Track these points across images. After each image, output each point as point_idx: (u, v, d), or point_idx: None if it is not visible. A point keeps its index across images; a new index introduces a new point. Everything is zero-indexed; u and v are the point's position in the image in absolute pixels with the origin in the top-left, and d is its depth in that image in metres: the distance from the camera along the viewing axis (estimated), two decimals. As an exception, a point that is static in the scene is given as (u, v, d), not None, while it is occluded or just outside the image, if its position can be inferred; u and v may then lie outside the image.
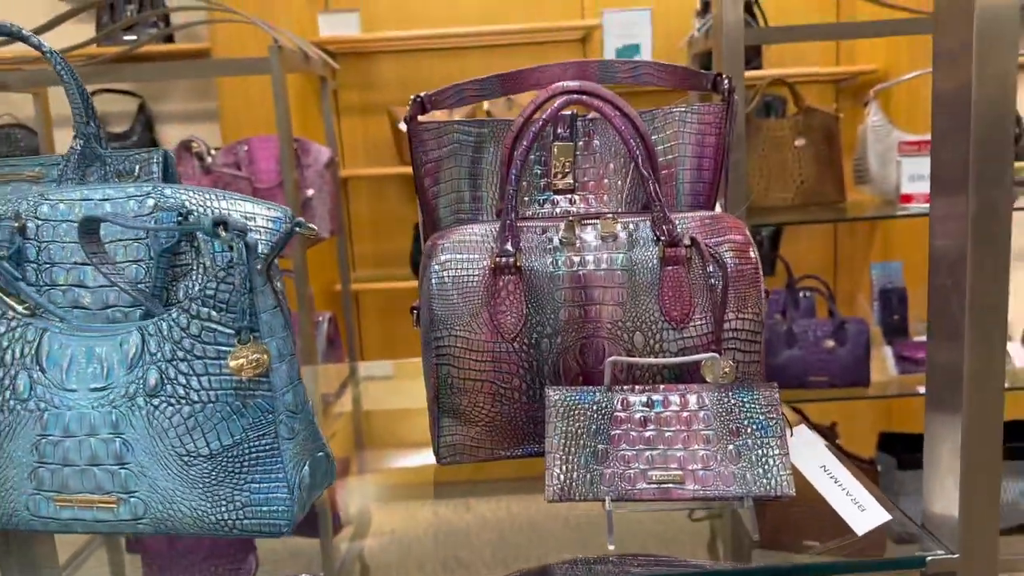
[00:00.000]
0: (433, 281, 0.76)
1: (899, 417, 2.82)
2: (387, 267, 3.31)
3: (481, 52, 3.27)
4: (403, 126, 1.01)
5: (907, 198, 2.12)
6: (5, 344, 0.70)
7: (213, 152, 2.41)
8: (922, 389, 2.34)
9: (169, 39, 3.21)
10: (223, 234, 0.67)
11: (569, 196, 0.91)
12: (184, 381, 0.67)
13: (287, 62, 2.12)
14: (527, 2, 3.26)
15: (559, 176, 0.91)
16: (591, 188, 0.91)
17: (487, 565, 0.71)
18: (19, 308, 0.71)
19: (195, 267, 0.80)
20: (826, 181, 2.26)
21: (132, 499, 0.68)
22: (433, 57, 3.31)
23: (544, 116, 0.78)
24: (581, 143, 0.92)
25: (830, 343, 2.15)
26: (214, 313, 0.67)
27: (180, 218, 0.78)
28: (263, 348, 0.66)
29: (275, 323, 0.69)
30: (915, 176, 2.12)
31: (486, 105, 2.98)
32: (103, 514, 0.68)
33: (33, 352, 0.70)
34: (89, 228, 0.75)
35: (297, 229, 0.83)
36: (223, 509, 0.67)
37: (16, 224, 0.77)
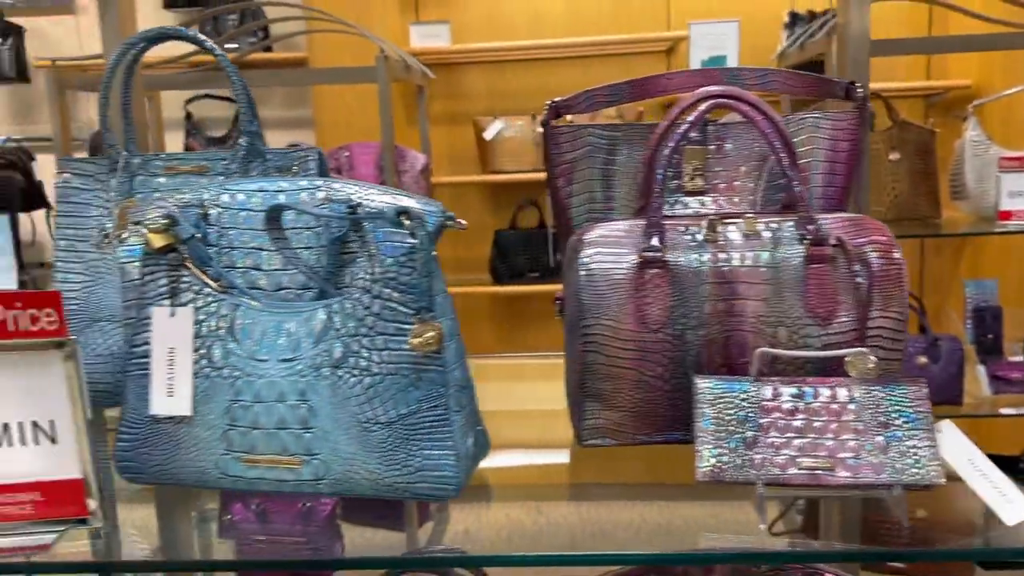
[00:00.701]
0: (582, 273, 0.81)
1: (989, 438, 2.76)
2: (466, 272, 3.38)
3: (567, 64, 3.33)
4: (539, 129, 1.06)
5: (1006, 215, 2.10)
6: (202, 317, 0.77)
7: (314, 157, 2.50)
8: (1013, 410, 2.28)
9: (268, 49, 3.35)
10: (407, 222, 0.73)
11: (699, 198, 0.95)
12: (366, 355, 0.73)
13: (391, 71, 2.21)
14: (613, 14, 3.31)
15: (689, 179, 0.95)
16: (721, 190, 0.95)
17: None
18: (213, 285, 0.78)
19: (361, 254, 0.86)
20: (920, 195, 2.25)
21: (315, 461, 0.74)
22: (519, 68, 3.38)
23: (690, 119, 0.82)
24: (713, 147, 0.96)
25: (923, 359, 2.13)
26: (395, 294, 0.73)
27: (349, 209, 0.85)
28: (438, 327, 0.72)
29: (446, 304, 0.75)
30: (1015, 192, 2.10)
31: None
32: (287, 474, 0.75)
33: (227, 325, 0.77)
34: (275, 215, 0.82)
35: (448, 223, 0.89)
36: (397, 473, 0.73)
37: (201, 211, 0.84)
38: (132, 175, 1.05)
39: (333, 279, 0.84)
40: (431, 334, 0.72)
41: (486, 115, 3.18)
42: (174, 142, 3.32)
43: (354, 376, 0.73)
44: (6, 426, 0.69)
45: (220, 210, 0.86)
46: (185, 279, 0.78)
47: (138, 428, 0.78)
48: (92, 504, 0.71)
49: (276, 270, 0.85)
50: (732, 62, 3.07)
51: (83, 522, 0.71)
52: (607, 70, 3.26)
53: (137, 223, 0.83)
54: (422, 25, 3.18)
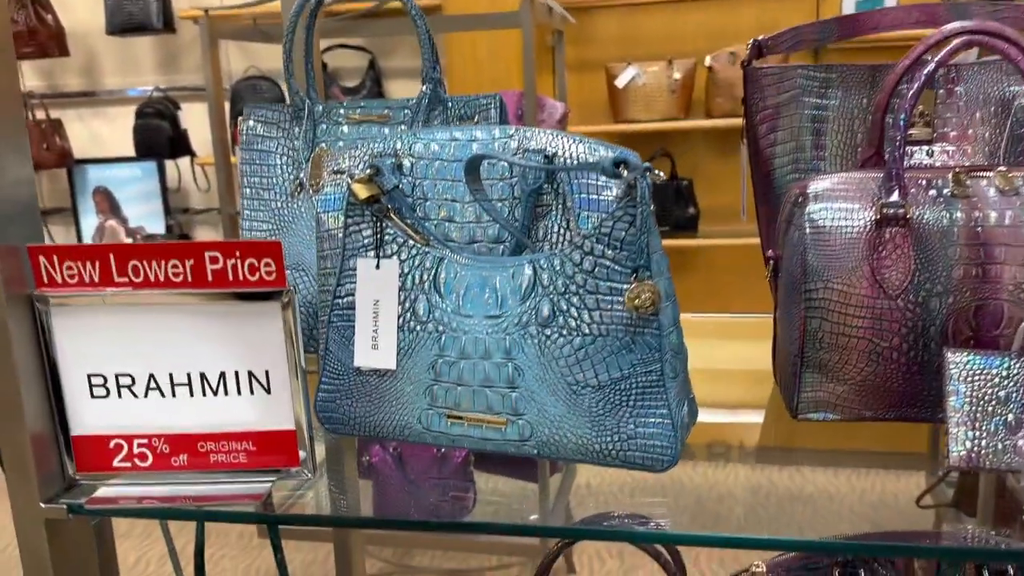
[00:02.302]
0: (808, 230, 0.74)
1: None
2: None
3: (701, 7, 3.17)
4: (716, 65, 0.99)
5: None
6: (406, 270, 0.76)
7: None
8: None
9: (402, -4, 3.32)
10: (625, 173, 0.68)
11: (927, 147, 0.87)
12: (576, 314, 0.70)
13: (535, 15, 2.15)
14: (758, -46, 3.11)
15: (917, 126, 0.86)
16: (952, 139, 0.86)
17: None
18: (416, 237, 0.76)
19: (555, 208, 0.83)
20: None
21: (520, 421, 0.72)
22: (651, 13, 3.24)
23: (937, 58, 0.74)
24: (942, 91, 0.87)
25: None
26: (608, 251, 0.69)
27: (545, 159, 0.81)
28: (655, 287, 0.68)
29: (662, 263, 0.71)
30: None
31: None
32: (491, 433, 0.73)
33: (431, 279, 0.75)
34: (475, 166, 0.79)
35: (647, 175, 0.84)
36: (608, 439, 0.70)
37: (395, 160, 0.82)
38: (315, 123, 1.05)
39: (527, 234, 0.81)
40: (648, 295, 0.68)
41: (618, 62, 3.08)
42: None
43: (563, 336, 0.70)
44: (223, 375, 0.69)
45: (413, 160, 0.84)
46: (389, 231, 0.76)
47: (340, 379, 0.78)
48: (303, 454, 0.71)
49: (469, 223, 0.83)
50: (891, 2, 2.85)
51: (293, 472, 0.71)
52: (745, 14, 3.09)
53: (338, 172, 0.82)
54: (555, -31, 3.08)
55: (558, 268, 0.71)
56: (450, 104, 1.02)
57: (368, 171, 0.77)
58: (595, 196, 0.80)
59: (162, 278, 0.67)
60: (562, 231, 0.81)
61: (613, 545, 2.22)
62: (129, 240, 3.78)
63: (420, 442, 0.76)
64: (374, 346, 0.76)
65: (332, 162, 0.89)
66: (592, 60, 3.26)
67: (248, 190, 1.06)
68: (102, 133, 3.96)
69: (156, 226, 3.84)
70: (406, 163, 0.82)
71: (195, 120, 3.71)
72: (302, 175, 0.93)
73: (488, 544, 2.21)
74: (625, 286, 0.68)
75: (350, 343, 0.77)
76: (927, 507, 0.74)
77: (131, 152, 3.69)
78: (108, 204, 3.79)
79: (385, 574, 2.21)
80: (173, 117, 3.69)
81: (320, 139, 1.04)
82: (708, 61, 2.95)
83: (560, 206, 0.82)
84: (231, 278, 0.67)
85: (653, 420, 0.69)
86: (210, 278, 0.67)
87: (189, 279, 0.67)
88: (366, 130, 1.04)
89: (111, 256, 0.66)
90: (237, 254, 0.66)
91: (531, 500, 0.84)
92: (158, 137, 3.68)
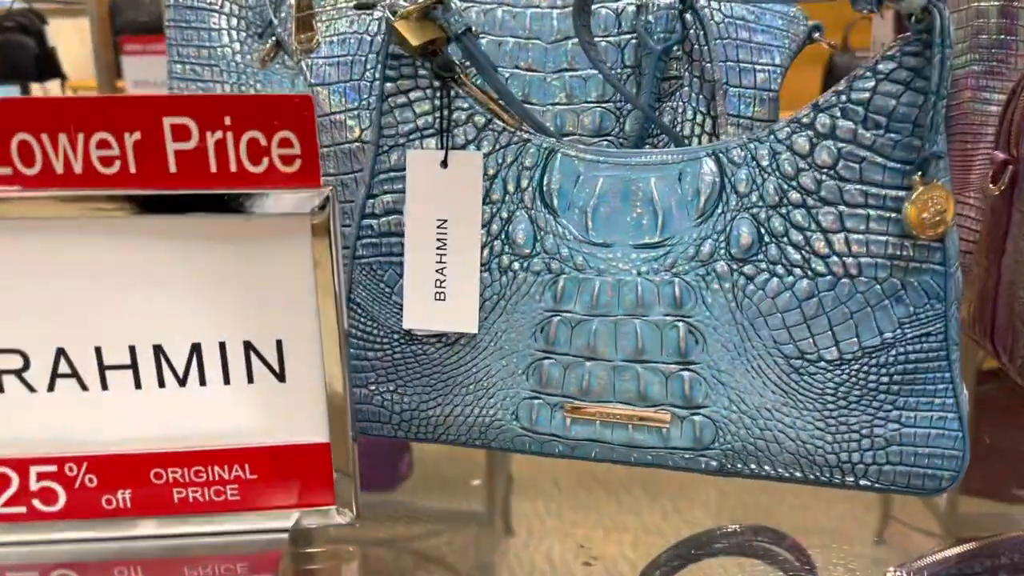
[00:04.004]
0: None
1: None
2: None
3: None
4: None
5: None
6: (493, 169, 0.46)
7: None
8: None
9: None
10: (916, 17, 0.40)
11: None
12: (801, 240, 0.42)
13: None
14: None
15: None
16: None
17: None
18: (505, 117, 0.46)
19: (688, 83, 0.55)
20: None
21: (697, 418, 0.44)
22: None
23: None
24: None
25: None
26: (863, 131, 0.41)
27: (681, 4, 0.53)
28: (947, 191, 0.41)
29: (945, 160, 0.43)
30: None
31: None
32: (644, 436, 0.45)
33: (536, 184, 0.45)
34: (584, 8, 0.49)
35: (816, 36, 0.59)
36: (851, 446, 0.43)
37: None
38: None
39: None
40: (940, 204, 0.40)
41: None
42: None
43: (777, 277, 0.42)
44: (196, 350, 0.38)
45: (464, 5, 0.55)
46: (461, 104, 0.46)
47: (374, 349, 0.48)
48: (340, 484, 0.40)
49: (556, 105, 0.54)
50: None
51: (322, 513, 0.41)
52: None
53: (364, 6, 0.51)
54: None
55: (766, 163, 0.43)
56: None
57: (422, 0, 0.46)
58: (758, 60, 0.53)
59: (79, 168, 0.35)
60: (700, 115, 0.54)
61: (551, 500, 1.99)
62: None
63: (514, 450, 0.47)
64: (439, 296, 0.46)
65: (331, 4, 0.57)
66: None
67: (179, 66, 0.72)
68: (-48, 49, 3.36)
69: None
70: (457, 3, 0.52)
71: (66, 37, 3.18)
72: (279, 30, 0.60)
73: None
74: (898, 191, 0.41)
75: (393, 291, 0.47)
76: None
77: (-12, 73, 3.13)
78: (-39, 133, 3.23)
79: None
80: (39, 32, 3.15)
81: (289, -7, 0.71)
82: None
83: (694, 80, 0.55)
84: (213, 167, 0.35)
85: (930, 414, 0.42)
86: (172, 167, 0.35)
87: (132, 170, 0.35)
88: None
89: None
90: (226, 120, 0.34)
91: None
92: (22, 56, 3.14)
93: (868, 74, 0.41)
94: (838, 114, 0.41)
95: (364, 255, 0.48)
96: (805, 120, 0.42)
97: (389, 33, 0.46)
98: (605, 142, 0.54)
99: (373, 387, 0.48)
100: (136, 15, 2.94)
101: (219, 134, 0.34)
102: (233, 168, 0.35)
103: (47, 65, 3.18)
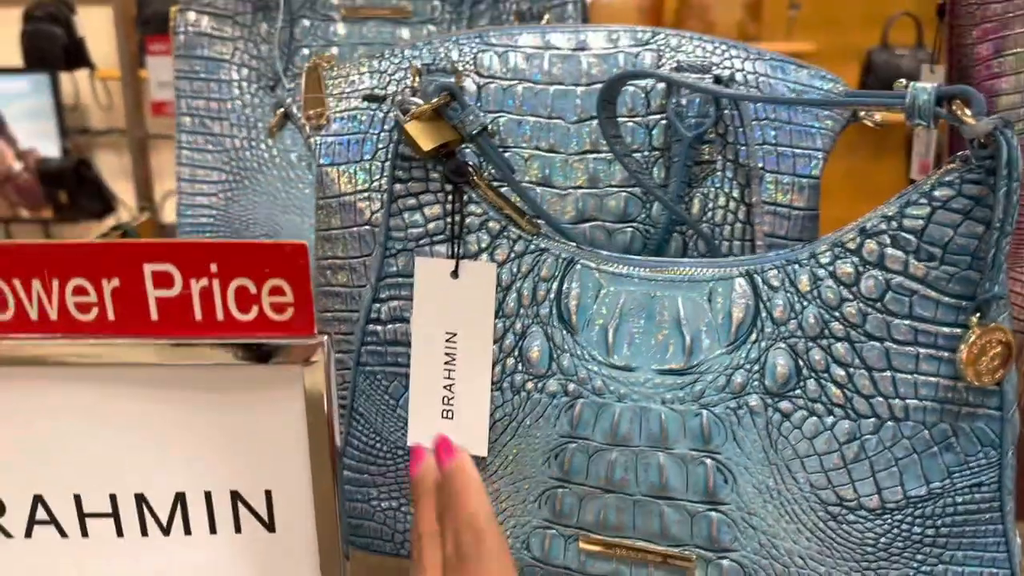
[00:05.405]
0: None
1: None
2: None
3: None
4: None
5: None
6: (505, 279, 0.42)
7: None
8: None
9: None
10: (970, 119, 0.36)
11: None
12: (843, 376, 0.38)
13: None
14: None
15: None
16: None
17: None
18: (521, 221, 0.43)
19: (720, 168, 0.51)
20: None
21: (724, 562, 0.40)
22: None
23: None
24: None
25: None
26: (916, 261, 0.37)
27: (715, 80, 0.50)
28: (1008, 332, 0.37)
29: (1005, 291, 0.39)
30: None
31: None
32: (665, 576, 0.41)
33: (553, 298, 0.42)
34: (614, 92, 0.46)
35: (861, 115, 0.54)
36: (892, 601, 0.39)
37: (453, 81, 0.48)
38: (293, 18, 0.68)
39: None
40: (999, 349, 0.36)
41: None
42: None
43: (815, 416, 0.39)
44: (180, 499, 0.35)
45: (482, 81, 0.51)
46: (474, 208, 0.43)
47: (374, 463, 0.45)
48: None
49: (578, 188, 0.50)
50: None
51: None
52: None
53: (372, 99, 0.47)
54: None
55: (806, 288, 0.39)
56: (506, -4, 0.67)
57: (436, 98, 0.43)
58: (798, 143, 0.50)
59: (54, 315, 0.32)
60: (733, 202, 0.50)
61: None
62: (19, 165, 3.26)
63: (524, 579, 0.44)
64: (446, 414, 0.43)
65: (343, 79, 0.53)
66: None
67: (188, 119, 0.69)
68: (-18, 39, 3.37)
69: (50, 149, 3.31)
70: (468, 85, 0.48)
71: (94, 27, 3.17)
72: (288, 99, 0.57)
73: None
74: (953, 329, 0.37)
75: (398, 404, 0.44)
76: None
77: (18, 62, 3.14)
78: (-9, 122, 3.24)
79: None
80: (68, 21, 3.14)
81: (301, 43, 0.68)
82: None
83: (728, 165, 0.51)
84: (198, 316, 0.32)
85: (979, 569, 0.39)
86: (154, 315, 0.32)
87: (110, 317, 0.32)
88: (373, 31, 0.68)
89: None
90: (212, 267, 0.31)
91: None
92: (51, 45, 3.13)
93: (923, 200, 0.37)
94: (887, 241, 0.37)
95: (368, 363, 0.45)
96: (850, 245, 0.38)
97: (399, 133, 0.42)
98: (630, 228, 0.51)
99: (375, 503, 0.45)
100: (163, 6, 2.93)
101: (204, 281, 0.31)
102: (220, 316, 0.32)
103: (76, 54, 3.17)
